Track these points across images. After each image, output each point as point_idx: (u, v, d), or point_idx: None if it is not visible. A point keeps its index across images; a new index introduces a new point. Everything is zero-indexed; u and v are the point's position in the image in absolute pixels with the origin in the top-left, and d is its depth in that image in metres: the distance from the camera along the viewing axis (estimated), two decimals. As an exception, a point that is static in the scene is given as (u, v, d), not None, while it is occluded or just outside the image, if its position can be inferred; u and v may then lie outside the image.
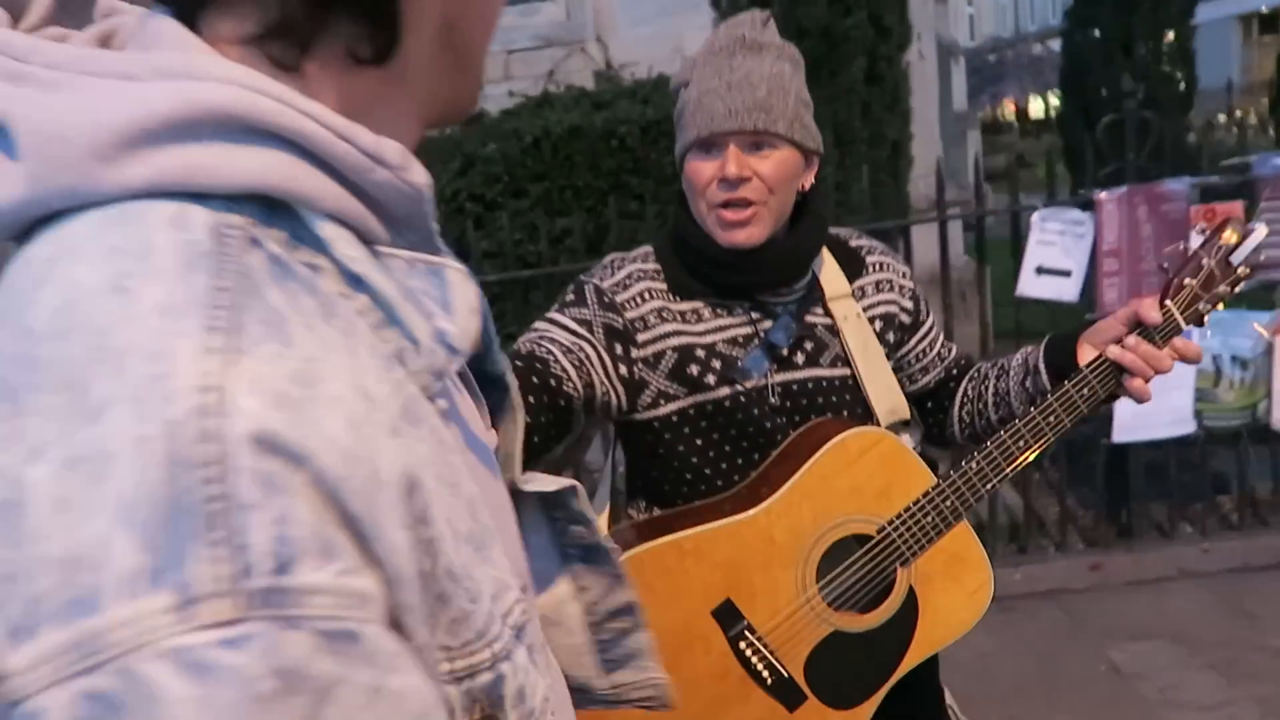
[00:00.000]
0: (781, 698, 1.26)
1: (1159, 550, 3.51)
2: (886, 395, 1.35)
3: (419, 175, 0.47)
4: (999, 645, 2.87)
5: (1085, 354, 1.29)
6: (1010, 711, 2.69)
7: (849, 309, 1.35)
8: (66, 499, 0.35)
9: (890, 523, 1.26)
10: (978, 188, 3.53)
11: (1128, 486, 3.55)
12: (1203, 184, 3.17)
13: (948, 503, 1.27)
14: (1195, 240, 3.25)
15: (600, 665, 0.78)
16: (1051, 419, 1.27)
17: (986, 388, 1.41)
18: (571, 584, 0.73)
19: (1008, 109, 22.99)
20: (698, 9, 4.54)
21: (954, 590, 1.31)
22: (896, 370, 1.40)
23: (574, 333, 1.29)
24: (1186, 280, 1.30)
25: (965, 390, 1.44)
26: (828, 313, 1.34)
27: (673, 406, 1.30)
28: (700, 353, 1.30)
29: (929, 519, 1.27)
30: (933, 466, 1.32)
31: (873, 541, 1.27)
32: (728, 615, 1.25)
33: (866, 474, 1.26)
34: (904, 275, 1.42)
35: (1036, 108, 22.96)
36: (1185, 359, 1.28)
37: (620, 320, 1.30)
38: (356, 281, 0.44)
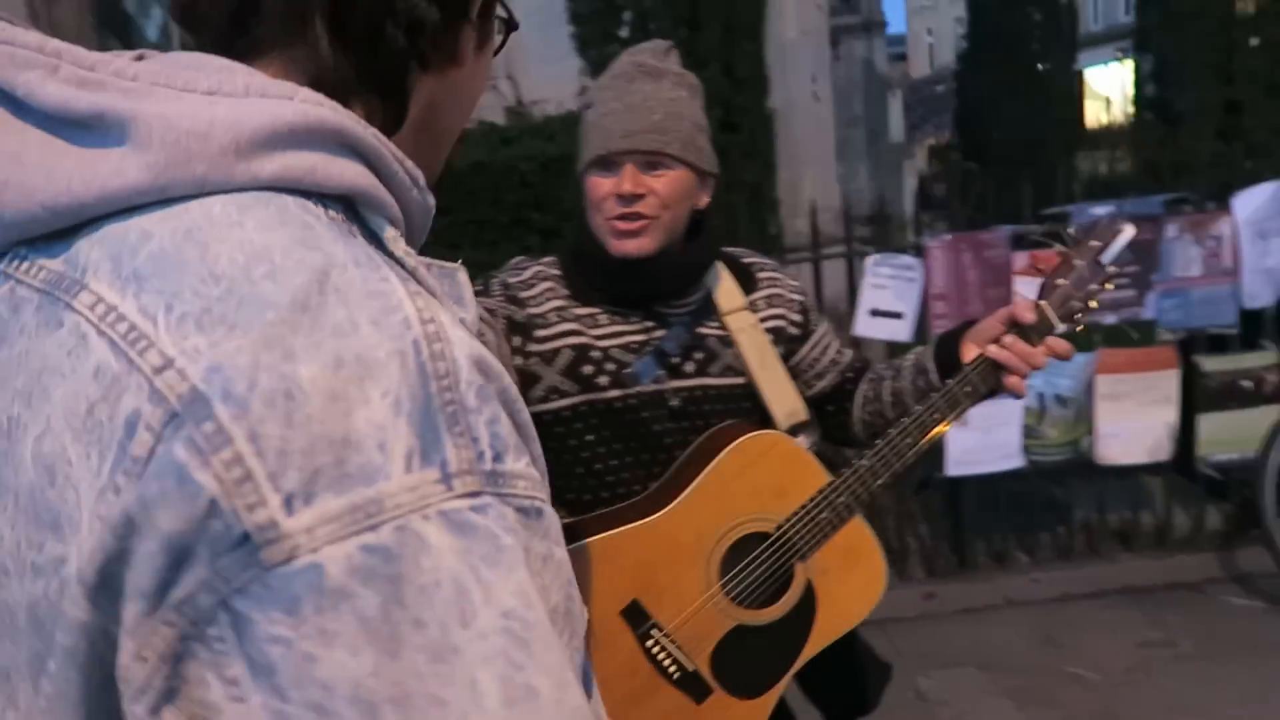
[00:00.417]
0: (689, 691, 1.33)
1: (991, 580, 3.68)
2: (784, 400, 1.43)
3: (432, 199, 0.58)
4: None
5: (969, 352, 1.37)
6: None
7: (745, 321, 1.43)
8: (337, 392, 0.41)
9: (787, 520, 1.33)
10: (848, 228, 3.70)
11: (962, 518, 3.72)
12: (1020, 232, 3.36)
13: (841, 499, 1.34)
14: (1022, 287, 3.46)
15: None
16: (937, 415, 1.35)
17: (884, 388, 1.49)
18: None
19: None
20: (609, 46, 4.70)
21: (850, 581, 1.38)
22: (794, 376, 1.48)
23: (479, 318, 1.37)
24: (1059, 281, 1.36)
25: (864, 392, 1.52)
26: (722, 325, 1.42)
27: (564, 402, 1.37)
28: (595, 354, 1.38)
29: (824, 515, 1.34)
30: (834, 465, 1.40)
31: (771, 539, 1.33)
32: (635, 615, 1.31)
33: (765, 475, 1.33)
34: (792, 290, 1.51)
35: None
36: (1057, 355, 1.35)
37: (521, 314, 1.39)
38: (412, 275, 0.51)
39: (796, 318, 1.49)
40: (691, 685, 1.33)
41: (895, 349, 3.42)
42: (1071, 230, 1.42)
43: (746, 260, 1.51)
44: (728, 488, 1.32)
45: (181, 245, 0.45)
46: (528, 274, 1.43)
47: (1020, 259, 3.38)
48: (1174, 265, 3.42)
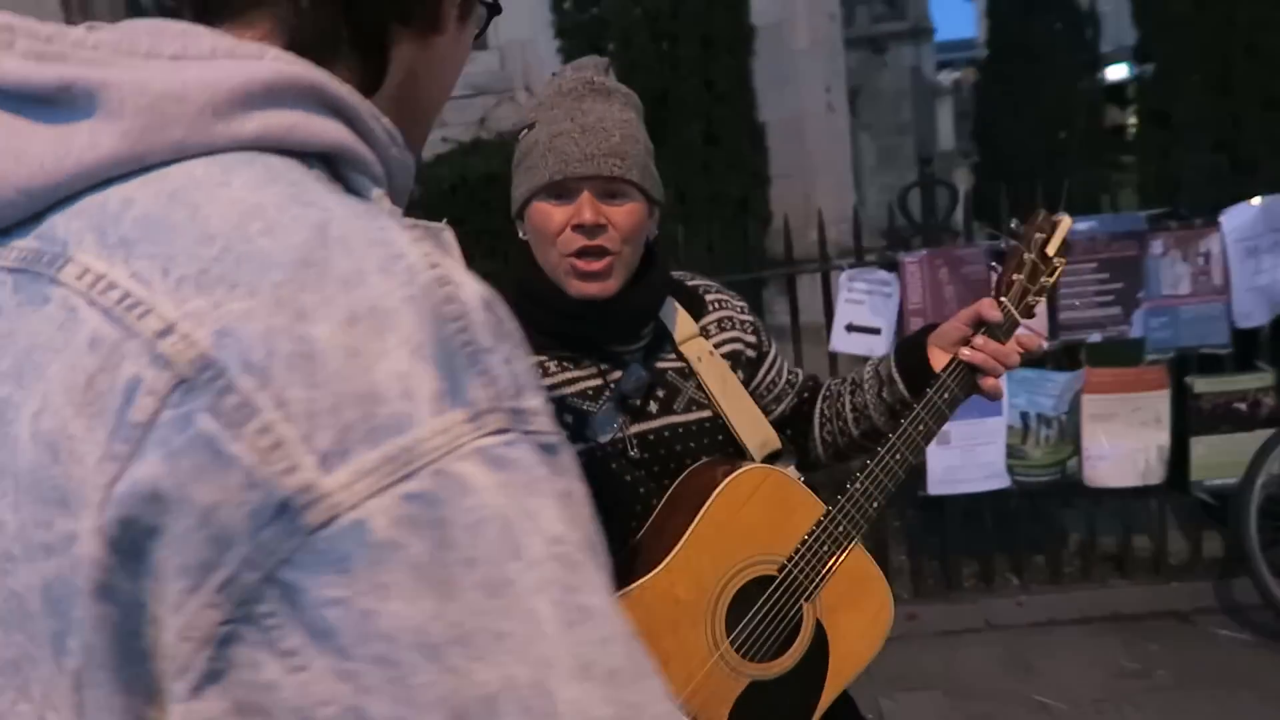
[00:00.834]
0: None
1: (976, 602, 3.60)
2: (755, 429, 1.33)
3: (412, 158, 0.58)
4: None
5: (937, 358, 1.31)
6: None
7: (700, 348, 1.33)
8: (356, 347, 0.41)
9: (789, 559, 1.24)
10: (821, 244, 3.66)
11: (946, 539, 3.65)
12: (996, 247, 3.28)
13: (840, 528, 1.26)
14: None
15: None
16: (922, 428, 1.28)
17: (844, 404, 1.40)
18: None
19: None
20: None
21: (856, 616, 1.29)
22: (755, 401, 1.39)
23: None
24: (1014, 276, 1.32)
25: (821, 411, 1.44)
26: (680, 356, 1.32)
27: None
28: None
29: (824, 548, 1.25)
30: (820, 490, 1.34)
31: (776, 581, 1.24)
32: None
33: (759, 513, 1.23)
34: (742, 310, 1.42)
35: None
36: (1027, 350, 1.31)
37: None
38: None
39: (751, 338, 1.41)
40: None
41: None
42: (1014, 225, 1.40)
43: (691, 284, 1.42)
44: (722, 533, 1.21)
45: (168, 208, 0.44)
46: None
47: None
48: (1161, 283, 3.31)
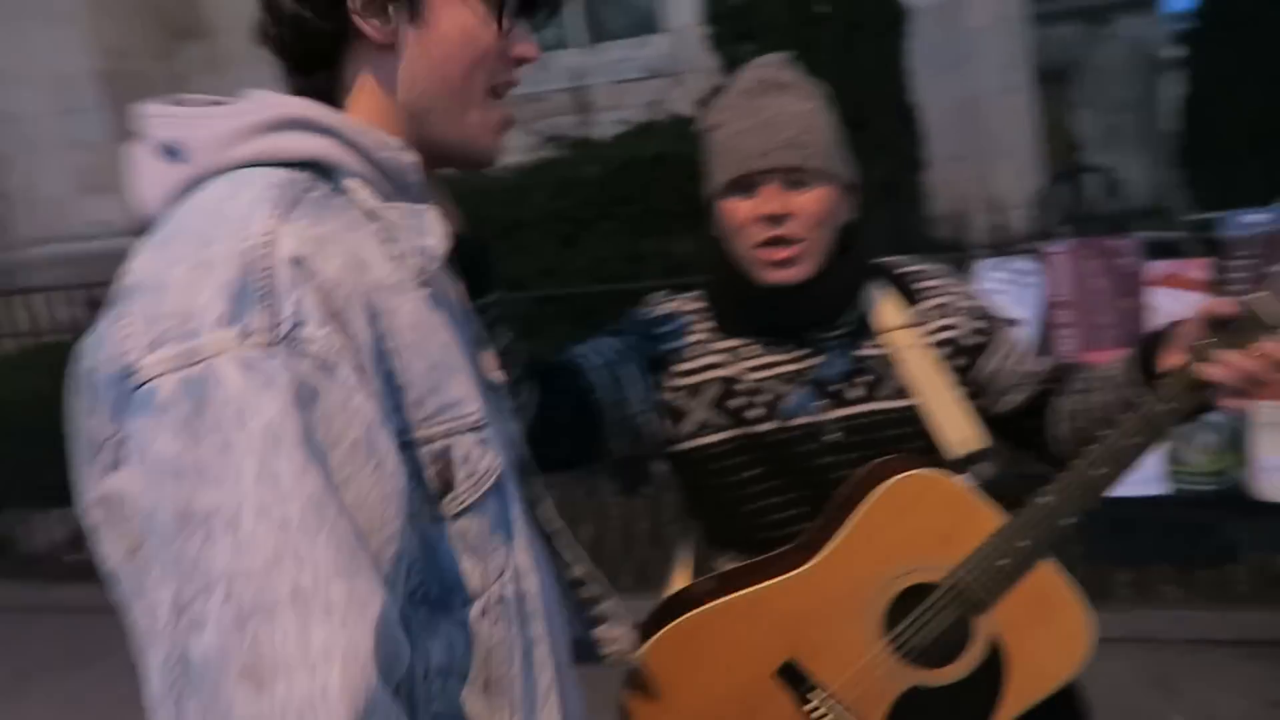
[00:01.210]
0: None
1: (1128, 612, 3.38)
2: (955, 425, 1.28)
3: (409, 156, 0.80)
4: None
5: (1170, 360, 1.17)
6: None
7: (908, 338, 1.31)
8: (189, 283, 0.65)
9: (958, 569, 1.19)
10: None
11: (1097, 545, 3.44)
12: (1155, 239, 3.06)
13: (1022, 543, 1.18)
14: (1160, 298, 3.14)
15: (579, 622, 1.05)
16: (1134, 441, 1.14)
17: (1092, 402, 1.28)
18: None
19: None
20: (741, 46, 4.73)
21: (1043, 637, 1.21)
22: (977, 394, 1.34)
23: (619, 352, 1.34)
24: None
25: (1070, 406, 1.32)
26: (883, 345, 1.31)
27: (717, 437, 1.30)
28: (743, 387, 1.30)
29: (1002, 562, 1.18)
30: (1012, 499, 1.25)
31: (941, 590, 1.20)
32: (792, 676, 1.22)
33: (925, 519, 1.20)
34: (964, 296, 1.36)
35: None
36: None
37: (660, 350, 1.34)
38: (371, 214, 0.76)
39: (976, 324, 1.34)
40: None
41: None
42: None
43: (905, 270, 1.38)
44: (884, 534, 1.20)
45: (182, 210, 0.73)
46: (668, 308, 1.38)
47: (1161, 269, 3.09)
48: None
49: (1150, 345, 1.22)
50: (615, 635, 1.07)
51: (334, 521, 0.64)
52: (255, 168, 0.74)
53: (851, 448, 1.28)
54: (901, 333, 1.31)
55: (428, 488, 0.74)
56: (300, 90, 0.80)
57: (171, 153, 0.76)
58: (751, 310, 1.30)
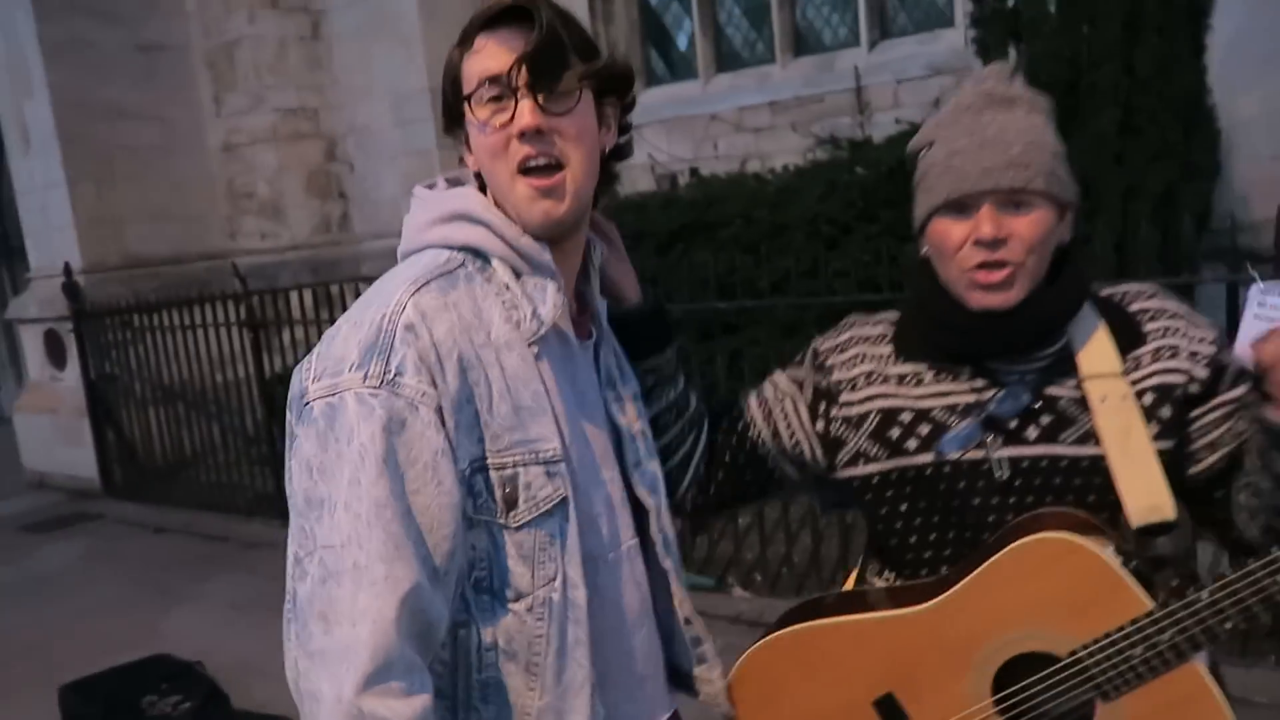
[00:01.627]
0: None
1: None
2: (1145, 490, 1.16)
3: (532, 240, 1.08)
4: None
5: None
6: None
7: (1112, 389, 1.20)
8: (345, 336, 0.99)
9: (1086, 647, 1.13)
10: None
11: None
12: None
13: (1166, 636, 1.09)
14: None
15: (685, 655, 1.27)
16: None
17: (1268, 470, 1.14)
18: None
19: None
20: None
21: None
22: (1180, 446, 1.21)
23: (780, 389, 1.40)
24: None
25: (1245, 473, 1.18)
26: (1080, 387, 1.21)
27: (872, 468, 1.29)
28: (906, 417, 1.27)
29: (1138, 651, 1.10)
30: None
31: (1062, 664, 1.15)
32: (888, 709, 1.23)
33: (1057, 586, 1.13)
34: (1200, 341, 1.22)
35: None
36: None
37: (826, 380, 1.35)
38: (504, 287, 1.06)
39: (1198, 373, 1.20)
40: None
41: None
42: None
43: (1135, 308, 1.26)
44: (1008, 592, 1.16)
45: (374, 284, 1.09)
46: (844, 337, 1.37)
47: None
48: None
49: None
50: (710, 678, 1.26)
51: (389, 520, 0.91)
52: (430, 250, 1.07)
53: (1018, 491, 1.21)
54: (1107, 382, 1.20)
55: (498, 504, 1.00)
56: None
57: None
58: (945, 334, 1.25)
